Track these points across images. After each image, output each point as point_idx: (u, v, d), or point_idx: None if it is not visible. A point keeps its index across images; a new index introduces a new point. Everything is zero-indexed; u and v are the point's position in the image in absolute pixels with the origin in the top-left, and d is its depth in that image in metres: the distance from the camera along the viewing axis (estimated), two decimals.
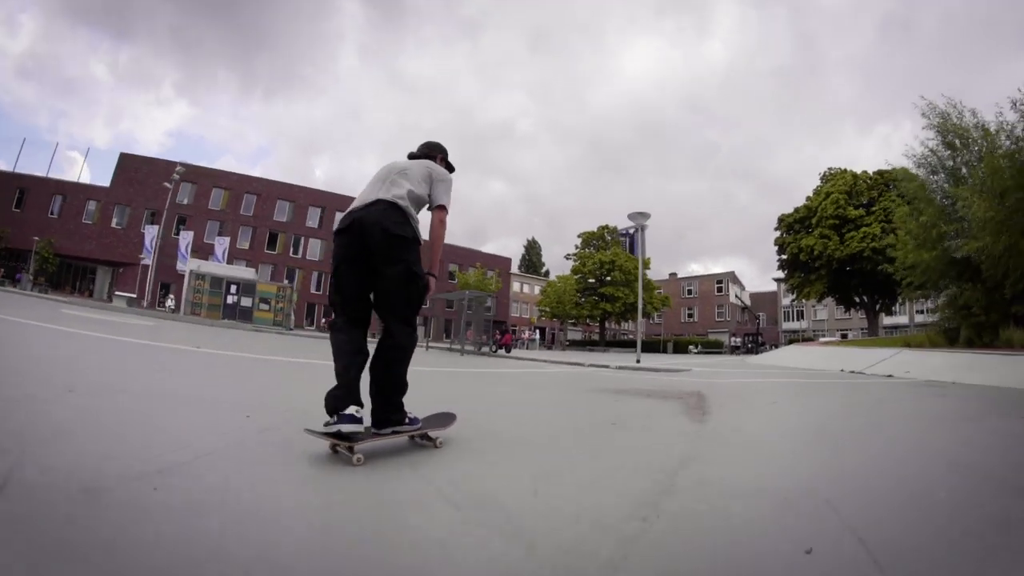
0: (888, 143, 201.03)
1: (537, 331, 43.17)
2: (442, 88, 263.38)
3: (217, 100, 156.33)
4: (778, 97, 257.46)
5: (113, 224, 54.34)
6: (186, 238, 46.67)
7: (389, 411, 2.63)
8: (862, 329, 52.74)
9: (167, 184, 40.79)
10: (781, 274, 36.37)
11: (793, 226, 32.59)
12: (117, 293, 41.42)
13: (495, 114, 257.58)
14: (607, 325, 78.11)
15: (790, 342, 51.11)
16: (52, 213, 54.12)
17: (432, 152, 3.17)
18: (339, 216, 2.87)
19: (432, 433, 2.80)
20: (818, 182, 33.29)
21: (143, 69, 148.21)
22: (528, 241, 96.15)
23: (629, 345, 53.98)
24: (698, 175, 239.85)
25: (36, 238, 50.14)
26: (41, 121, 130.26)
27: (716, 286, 64.49)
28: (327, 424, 2.39)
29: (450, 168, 3.20)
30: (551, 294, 50.44)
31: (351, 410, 2.39)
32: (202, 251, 49.94)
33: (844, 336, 48.15)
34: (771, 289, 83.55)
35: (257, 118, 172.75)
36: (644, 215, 13.81)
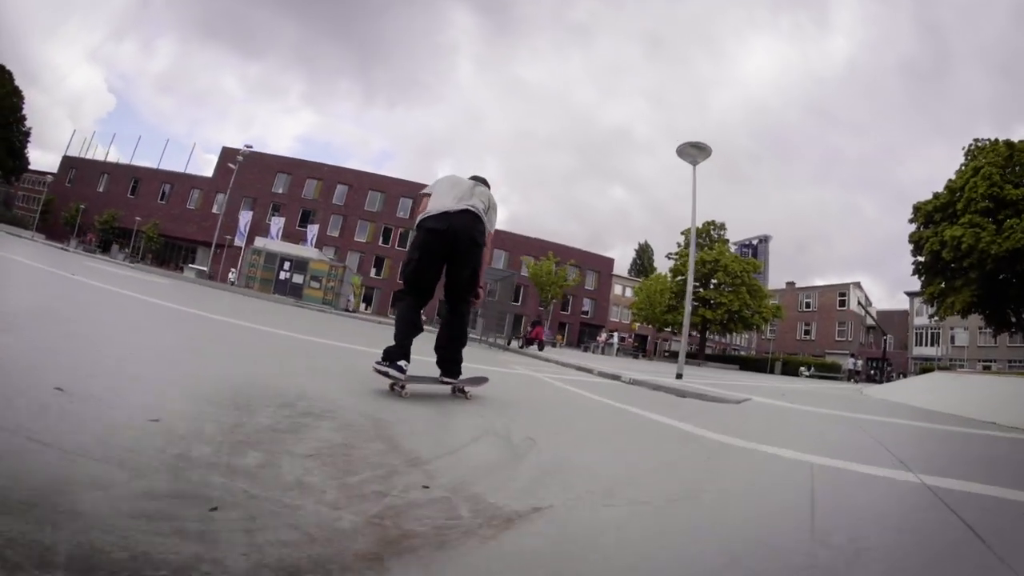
0: None
1: (616, 335, 39.04)
2: (558, 95, 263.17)
3: (341, 108, 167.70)
4: (905, 96, 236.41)
5: (213, 210, 57.24)
6: (277, 223, 50.24)
7: (454, 367, 3.67)
8: (1011, 361, 44.86)
9: (231, 165, 42.47)
10: (913, 286, 30.99)
11: (933, 216, 26.85)
12: (189, 266, 46.08)
13: (613, 120, 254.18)
14: (710, 336, 73.85)
15: (922, 371, 44.39)
16: (162, 199, 61.33)
17: (486, 184, 3.99)
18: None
19: (467, 388, 3.76)
20: (961, 160, 27.60)
21: (270, 81, 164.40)
22: (640, 244, 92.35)
23: (732, 361, 49.21)
24: (821, 184, 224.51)
25: (138, 218, 57.50)
26: (179, 129, 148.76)
27: (838, 299, 57.95)
28: (379, 363, 3.23)
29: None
30: (642, 296, 46.79)
31: (401, 363, 3.22)
32: (293, 237, 51.44)
33: (987, 369, 40.78)
34: (901, 307, 74.78)
35: (380, 124, 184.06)
36: (702, 148, 10.17)
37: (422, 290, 3.50)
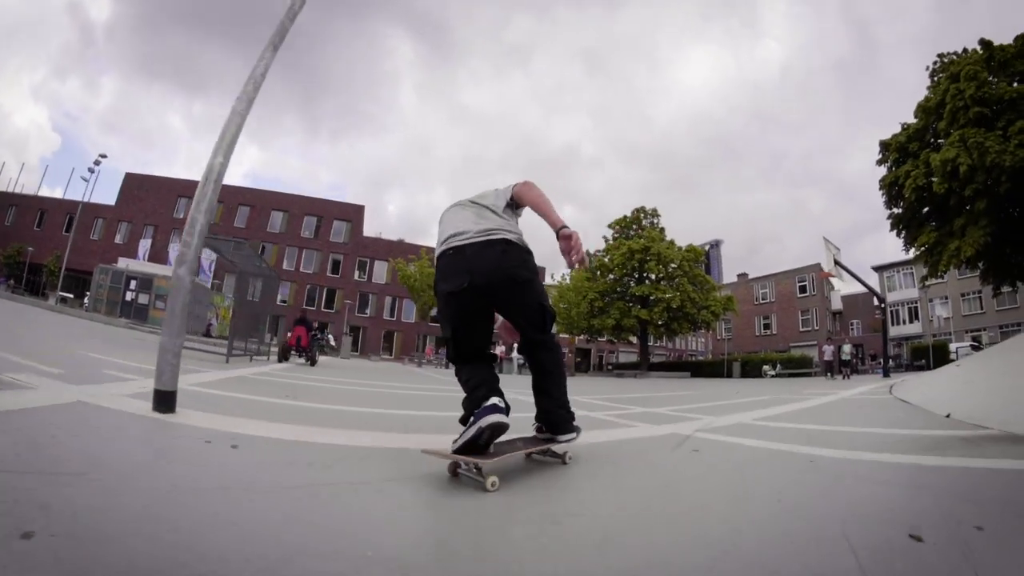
0: None
1: (515, 346, 29.72)
2: (503, 118, 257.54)
3: (286, 143, 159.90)
4: (841, 91, 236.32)
5: (116, 240, 53.75)
6: (175, 250, 41.31)
7: (560, 417, 2.65)
8: (1002, 327, 37.64)
9: (84, 179, 40.77)
10: (875, 260, 23.16)
11: (908, 148, 19.37)
12: (58, 293, 41.54)
13: (559, 139, 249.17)
14: (657, 342, 65.72)
15: (914, 350, 36.68)
16: (67, 230, 53.14)
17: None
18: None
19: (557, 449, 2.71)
20: (927, 85, 19.95)
21: (214, 118, 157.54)
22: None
23: (684, 368, 41.05)
24: (768, 185, 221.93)
25: (30, 249, 52.13)
26: (127, 167, 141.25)
27: (798, 285, 50.17)
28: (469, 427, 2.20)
29: None
30: (554, 299, 38.34)
31: (493, 400, 2.29)
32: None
33: (976, 343, 33.35)
34: (863, 290, 67.79)
35: (326, 158, 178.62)
36: None
37: (470, 358, 2.54)
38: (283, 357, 14.44)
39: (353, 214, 57.32)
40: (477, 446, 2.17)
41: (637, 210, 38.58)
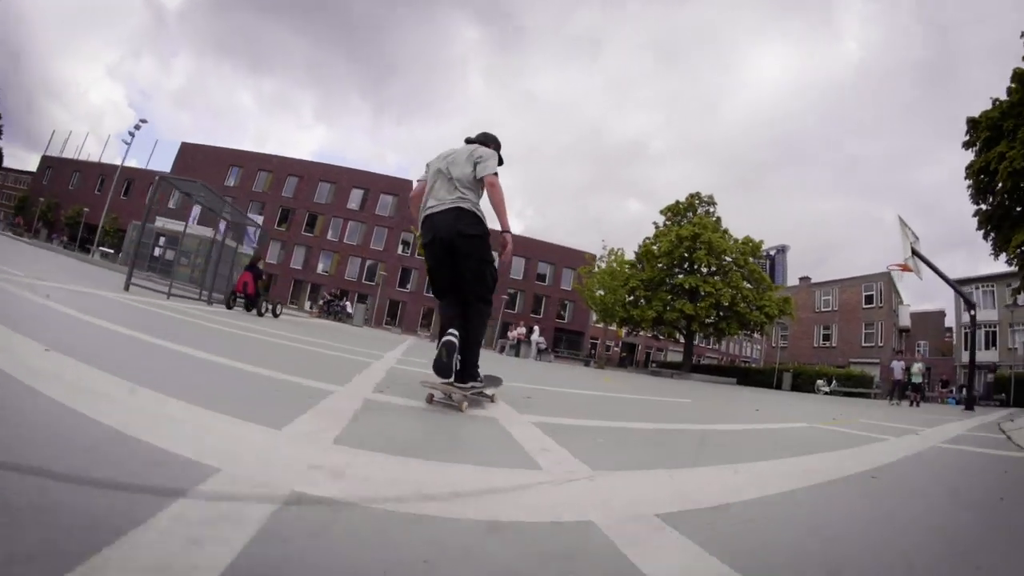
0: None
1: (535, 332, 25.08)
2: (571, 106, 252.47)
3: (354, 123, 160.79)
4: (917, 97, 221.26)
5: (170, 205, 50.96)
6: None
7: (466, 371, 3.33)
8: None
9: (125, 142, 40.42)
10: (956, 274, 18.55)
11: (1001, 125, 15.68)
12: (101, 248, 43.37)
13: (626, 133, 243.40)
14: (710, 345, 61.34)
15: (997, 386, 31.80)
16: (125, 195, 56.81)
17: (488, 142, 3.72)
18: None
19: (487, 391, 3.71)
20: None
21: (284, 97, 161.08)
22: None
23: (731, 373, 37.17)
24: (838, 191, 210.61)
25: (86, 209, 55.79)
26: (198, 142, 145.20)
27: (864, 295, 45.13)
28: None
29: (501, 161, 3.69)
30: (590, 285, 35.23)
31: (449, 332, 3.24)
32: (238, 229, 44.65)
33: None
34: (936, 307, 61.13)
35: (393, 139, 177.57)
36: None
37: (445, 292, 3.52)
38: (229, 304, 12.66)
39: (400, 188, 55.53)
40: (442, 363, 3.11)
41: (692, 196, 34.87)
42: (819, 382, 30.31)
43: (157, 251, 30.82)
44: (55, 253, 26.87)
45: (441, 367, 3.11)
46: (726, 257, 31.78)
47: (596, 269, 34.40)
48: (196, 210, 51.50)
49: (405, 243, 54.00)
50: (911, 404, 18.53)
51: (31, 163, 69.25)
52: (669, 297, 31.20)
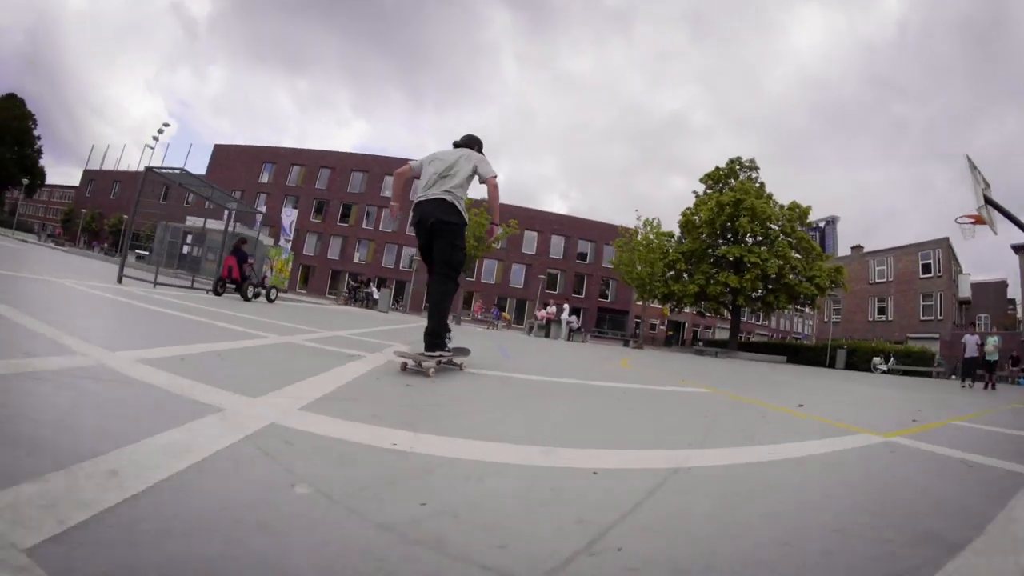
0: None
1: (566, 310, 24.55)
2: (607, 86, 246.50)
3: (392, 115, 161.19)
4: (966, 56, 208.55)
5: (208, 206, 51.14)
6: (288, 215, 41.57)
7: (432, 340, 3.88)
8: None
9: (150, 145, 41.77)
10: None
11: None
12: (137, 251, 42.28)
13: (667, 108, 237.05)
14: (759, 322, 58.54)
15: None
16: (164, 199, 52.85)
17: (472, 144, 4.41)
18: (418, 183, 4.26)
19: (457, 359, 4.24)
20: None
21: (320, 94, 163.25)
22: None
23: (779, 351, 34.80)
24: (887, 159, 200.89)
25: (125, 216, 54.28)
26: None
27: (920, 263, 41.39)
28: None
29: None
30: (623, 257, 32.87)
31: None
32: (275, 225, 44.72)
33: None
34: (996, 277, 56.61)
35: (432, 129, 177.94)
36: None
37: (433, 267, 4.13)
38: (217, 290, 11.89)
39: None
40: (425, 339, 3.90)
41: (732, 161, 32.55)
42: (876, 360, 27.91)
43: (185, 248, 31.57)
44: (87, 258, 28.08)
45: (434, 334, 3.88)
46: (772, 225, 29.54)
47: (632, 242, 32.24)
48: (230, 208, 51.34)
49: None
50: (985, 386, 15.95)
51: (78, 178, 70.12)
52: (713, 270, 29.20)
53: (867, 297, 44.86)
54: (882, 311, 43.83)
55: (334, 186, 55.31)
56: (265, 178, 57.08)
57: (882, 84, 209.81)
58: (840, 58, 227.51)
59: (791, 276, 28.16)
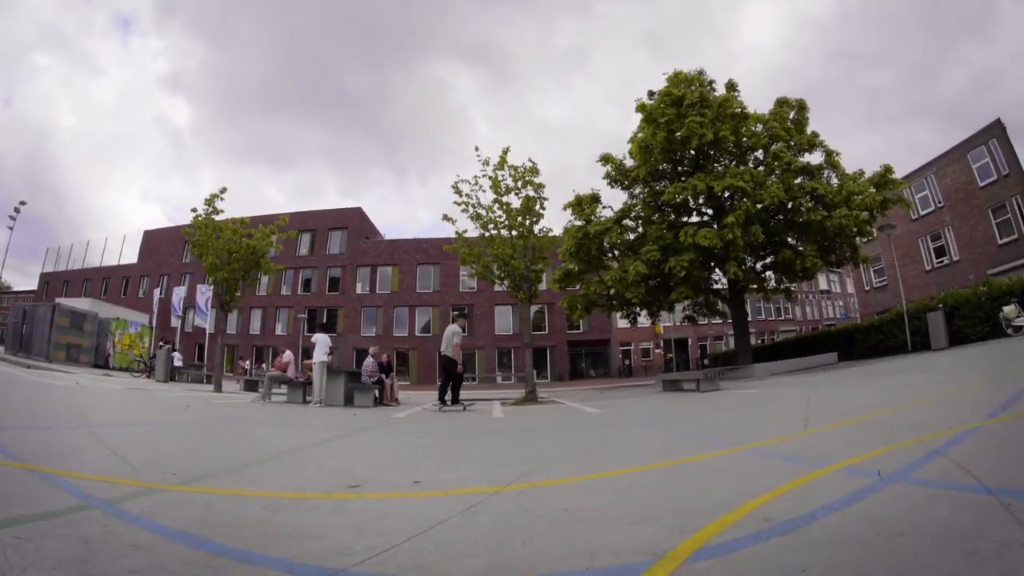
0: None
1: (323, 343, 10.42)
2: (584, 124, 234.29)
3: (381, 193, 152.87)
4: (913, 4, 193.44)
5: (139, 295, 46.43)
6: (178, 293, 35.24)
7: (454, 396, 10.16)
8: None
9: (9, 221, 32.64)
10: None
11: None
12: None
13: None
14: (764, 304, 41.93)
15: None
16: (103, 294, 47.63)
17: (457, 317, 11.51)
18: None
19: (456, 408, 9.77)
20: None
21: (307, 184, 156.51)
22: None
23: (812, 349, 20.50)
24: (869, 129, 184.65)
25: None
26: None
27: (975, 169, 25.81)
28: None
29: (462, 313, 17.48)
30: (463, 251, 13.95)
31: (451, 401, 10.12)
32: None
33: None
34: None
35: (422, 198, 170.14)
36: None
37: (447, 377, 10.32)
38: None
39: (346, 219, 42.32)
40: (440, 395, 10.07)
41: (677, 75, 17.96)
42: (1008, 310, 13.36)
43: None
44: None
45: (440, 396, 10.02)
46: (756, 126, 15.84)
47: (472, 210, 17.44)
48: (157, 294, 39.33)
49: (361, 283, 40.49)
50: None
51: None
52: (665, 231, 15.30)
53: (915, 240, 29.90)
54: (940, 252, 28.75)
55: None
56: (188, 258, 45.49)
57: (844, 56, 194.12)
58: (796, 43, 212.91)
59: (808, 204, 14.28)
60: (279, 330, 40.74)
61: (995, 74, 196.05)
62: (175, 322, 34.40)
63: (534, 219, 13.46)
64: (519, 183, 13.33)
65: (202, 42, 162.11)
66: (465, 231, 13.63)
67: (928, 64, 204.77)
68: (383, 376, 12.04)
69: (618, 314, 18.44)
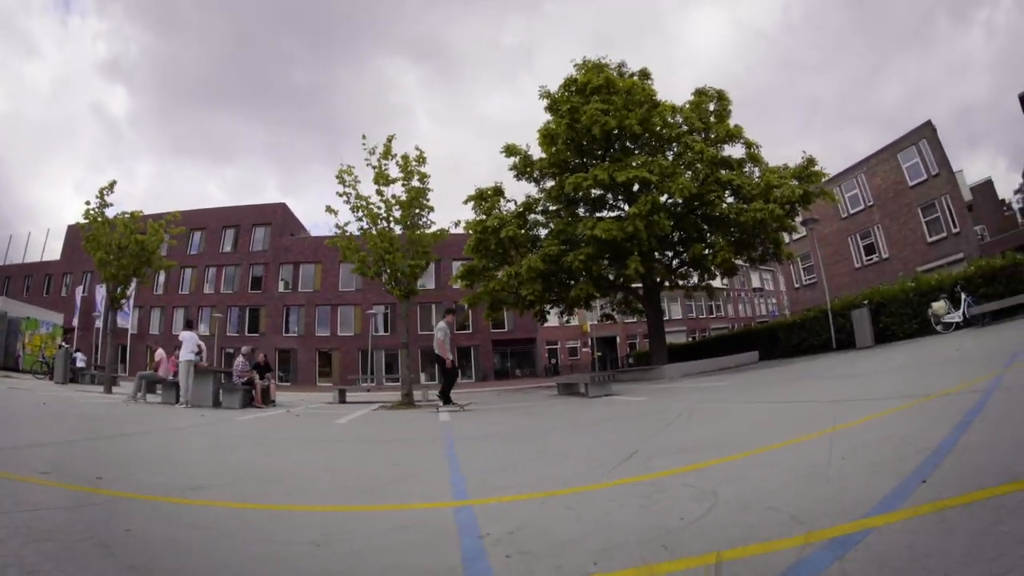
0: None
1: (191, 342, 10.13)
2: (526, 122, 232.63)
3: (322, 191, 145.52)
4: (853, 19, 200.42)
5: (62, 294, 42.13)
6: (100, 292, 30.74)
7: (444, 397, 9.13)
8: None
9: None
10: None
11: None
12: None
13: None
14: (698, 301, 40.90)
15: None
16: (25, 293, 42.67)
17: (446, 314, 9.85)
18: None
19: (453, 408, 8.75)
20: None
21: (247, 180, 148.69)
22: None
23: (734, 347, 19.67)
24: (806, 136, 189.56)
25: None
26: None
27: (906, 168, 25.45)
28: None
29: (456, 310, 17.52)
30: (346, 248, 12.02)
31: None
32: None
33: None
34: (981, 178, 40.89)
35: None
36: None
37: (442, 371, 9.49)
38: None
39: (271, 215, 39.67)
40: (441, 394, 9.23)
41: (587, 64, 15.93)
42: (936, 306, 12.25)
43: None
44: None
45: (441, 396, 9.22)
46: (675, 116, 14.51)
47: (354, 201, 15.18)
48: (80, 291, 36.19)
49: (284, 281, 37.91)
50: None
51: None
52: (570, 227, 13.80)
53: (845, 237, 29.47)
54: (870, 250, 28.36)
55: (175, 251, 39.91)
56: None
57: (787, 66, 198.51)
58: (741, 51, 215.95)
59: (718, 197, 12.94)
60: (203, 329, 37.83)
61: (930, 86, 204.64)
62: (99, 322, 31.91)
63: (420, 211, 11.81)
64: (403, 174, 11.72)
65: (146, 27, 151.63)
66: (347, 223, 11.87)
67: (866, 76, 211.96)
68: (256, 376, 11.44)
69: (529, 312, 16.80)
